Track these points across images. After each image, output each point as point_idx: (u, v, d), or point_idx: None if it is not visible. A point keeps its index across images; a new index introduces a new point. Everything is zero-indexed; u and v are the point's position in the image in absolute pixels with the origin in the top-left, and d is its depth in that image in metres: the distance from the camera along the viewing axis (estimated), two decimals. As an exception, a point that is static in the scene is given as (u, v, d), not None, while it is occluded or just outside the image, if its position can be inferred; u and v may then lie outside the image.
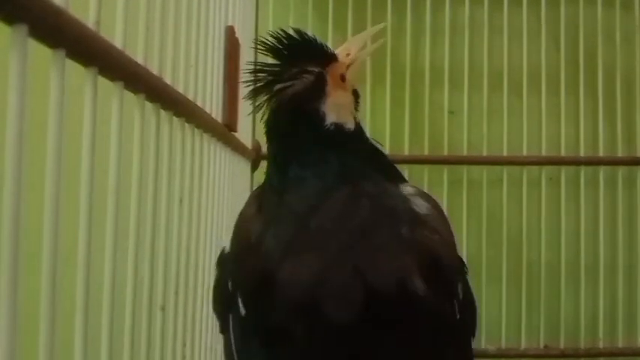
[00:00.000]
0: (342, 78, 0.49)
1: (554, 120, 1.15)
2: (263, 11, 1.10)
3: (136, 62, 0.42)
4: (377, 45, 0.60)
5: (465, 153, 1.14)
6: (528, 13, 1.15)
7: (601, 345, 1.11)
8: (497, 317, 1.11)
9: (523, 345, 1.11)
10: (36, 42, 0.30)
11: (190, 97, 0.57)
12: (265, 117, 0.48)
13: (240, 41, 0.81)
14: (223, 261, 0.49)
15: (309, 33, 0.49)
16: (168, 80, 0.49)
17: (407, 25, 1.15)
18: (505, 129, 1.14)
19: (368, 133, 0.52)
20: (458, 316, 0.46)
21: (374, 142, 0.51)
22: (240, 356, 0.47)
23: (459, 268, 0.48)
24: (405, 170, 1.12)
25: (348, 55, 0.51)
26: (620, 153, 1.15)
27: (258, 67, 0.48)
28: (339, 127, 0.47)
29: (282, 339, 0.43)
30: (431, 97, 1.16)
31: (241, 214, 0.49)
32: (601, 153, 1.15)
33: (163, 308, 0.49)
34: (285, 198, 0.46)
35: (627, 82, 1.17)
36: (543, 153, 1.14)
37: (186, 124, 0.55)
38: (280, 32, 0.48)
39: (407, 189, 0.48)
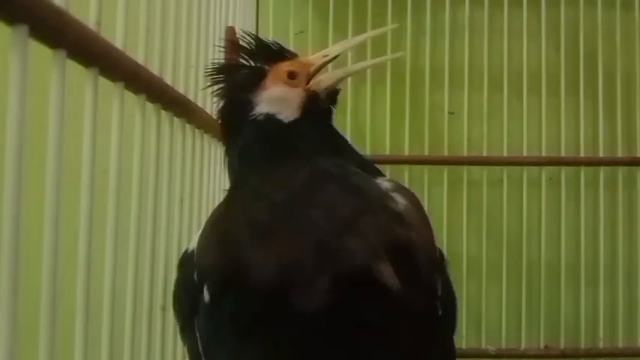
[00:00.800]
0: (291, 75, 0.51)
1: (554, 120, 1.15)
2: (263, 12, 1.10)
3: (137, 63, 0.42)
4: (363, 65, 0.63)
5: (465, 153, 1.14)
6: (528, 14, 1.15)
7: (601, 345, 1.11)
8: (497, 317, 1.11)
9: (523, 345, 1.11)
10: (37, 42, 0.30)
11: (191, 97, 0.57)
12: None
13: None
14: (186, 259, 0.48)
15: (268, 38, 0.53)
16: (168, 81, 0.50)
17: (407, 25, 1.14)
18: (505, 129, 1.14)
19: (348, 134, 0.53)
20: (439, 312, 0.46)
21: (342, 140, 0.52)
22: (207, 351, 0.45)
23: (437, 263, 0.47)
24: (405, 170, 1.12)
25: (325, 56, 0.54)
26: (620, 153, 1.15)
27: (214, 67, 0.52)
28: (269, 117, 0.49)
29: (250, 328, 0.42)
30: (431, 98, 1.16)
31: (210, 215, 0.50)
32: (601, 153, 1.15)
33: (164, 308, 0.49)
34: (240, 189, 0.48)
35: (627, 83, 1.17)
36: (543, 153, 1.14)
37: (187, 125, 0.55)
38: (242, 36, 0.52)
39: (384, 184, 0.47)
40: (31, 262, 0.32)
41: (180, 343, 0.54)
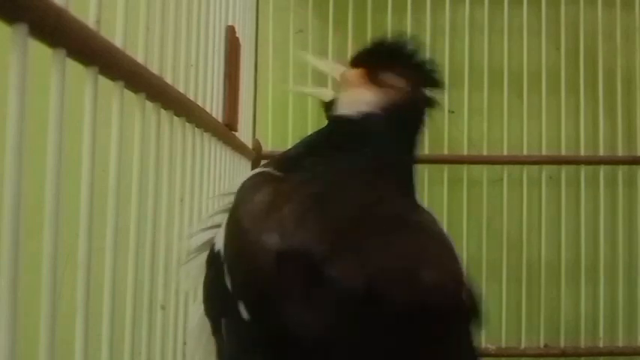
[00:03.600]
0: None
1: (554, 119, 1.15)
2: (263, 11, 1.10)
3: (137, 62, 0.42)
4: None
5: (465, 152, 1.14)
6: (528, 13, 1.15)
7: (601, 344, 1.11)
8: (497, 316, 1.11)
9: (523, 344, 1.11)
10: (36, 41, 0.30)
11: (191, 96, 0.57)
12: None
13: (241, 41, 0.81)
14: (216, 258, 0.43)
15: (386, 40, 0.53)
16: (168, 80, 0.49)
17: (407, 25, 1.14)
18: (505, 128, 1.14)
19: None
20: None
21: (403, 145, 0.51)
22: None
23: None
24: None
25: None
26: (621, 152, 1.15)
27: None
28: (339, 117, 0.50)
29: (296, 350, 0.37)
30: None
31: (244, 206, 0.43)
32: (601, 152, 1.15)
33: (164, 307, 0.49)
34: (298, 187, 0.44)
35: (627, 82, 1.17)
36: (543, 152, 1.14)
37: (187, 124, 0.55)
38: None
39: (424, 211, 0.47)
40: (31, 262, 0.32)
41: (180, 342, 0.54)
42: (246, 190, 0.46)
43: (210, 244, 0.46)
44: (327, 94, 0.55)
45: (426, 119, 0.52)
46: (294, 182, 0.44)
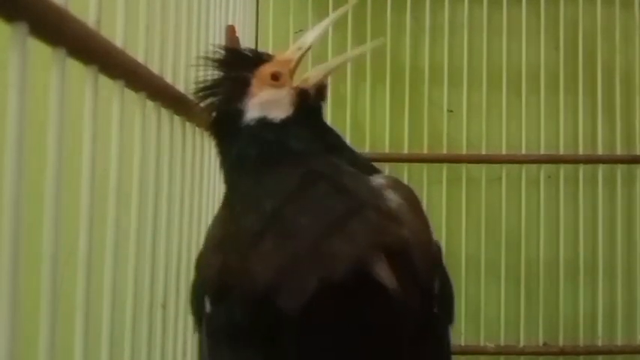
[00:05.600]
0: (274, 76, 0.51)
1: (553, 118, 1.15)
2: (263, 10, 1.10)
3: (137, 61, 0.42)
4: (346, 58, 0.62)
5: (464, 151, 1.14)
6: (527, 12, 1.15)
7: (600, 343, 1.11)
8: (496, 315, 1.11)
9: (522, 342, 1.11)
10: (36, 40, 0.30)
11: (191, 95, 0.57)
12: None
13: (241, 40, 0.81)
14: (197, 262, 0.49)
15: (241, 45, 0.53)
16: (168, 79, 0.49)
17: (406, 23, 1.14)
18: (504, 127, 1.14)
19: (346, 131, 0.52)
20: (435, 310, 0.45)
21: (335, 137, 0.51)
22: (210, 358, 0.46)
23: (434, 260, 0.47)
24: (404, 169, 1.12)
25: (300, 48, 0.53)
26: (619, 151, 1.15)
27: (197, 87, 0.51)
28: (261, 120, 0.49)
29: (244, 337, 0.42)
30: (430, 96, 1.15)
31: (210, 223, 0.50)
32: (600, 151, 1.15)
33: (164, 306, 0.49)
34: (233, 196, 0.48)
35: (626, 81, 1.17)
36: (542, 151, 1.14)
37: (187, 122, 0.55)
38: (215, 50, 0.51)
39: (377, 180, 0.47)
40: (31, 261, 0.32)
41: (180, 341, 0.54)
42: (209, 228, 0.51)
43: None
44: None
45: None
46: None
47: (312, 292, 0.40)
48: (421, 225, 0.46)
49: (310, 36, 0.54)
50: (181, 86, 0.53)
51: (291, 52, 0.53)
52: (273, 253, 0.42)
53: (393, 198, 0.46)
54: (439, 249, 0.48)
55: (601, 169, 1.14)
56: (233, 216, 0.46)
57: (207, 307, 0.45)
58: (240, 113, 0.49)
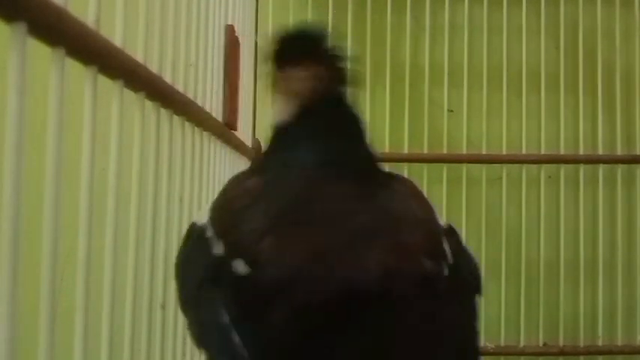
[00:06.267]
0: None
1: (553, 118, 1.15)
2: (263, 10, 1.10)
3: (136, 61, 0.42)
4: None
5: (464, 151, 1.14)
6: (528, 11, 1.15)
7: (600, 343, 1.12)
8: (496, 315, 1.11)
9: (522, 342, 1.11)
10: (35, 40, 0.30)
11: (190, 95, 0.57)
12: None
13: (240, 40, 0.81)
14: (199, 230, 0.47)
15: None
16: (168, 79, 0.49)
17: (406, 23, 1.14)
18: (504, 127, 1.14)
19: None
20: (446, 274, 0.45)
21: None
22: (242, 327, 0.42)
23: (443, 231, 0.48)
24: (404, 168, 1.12)
25: None
26: (619, 151, 1.15)
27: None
28: (278, 125, 0.50)
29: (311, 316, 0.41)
30: (430, 96, 1.15)
31: (226, 192, 0.49)
32: (600, 151, 1.15)
33: (164, 306, 0.49)
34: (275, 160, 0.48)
35: (627, 81, 1.17)
36: (542, 151, 1.14)
37: (187, 123, 0.55)
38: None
39: (383, 174, 0.49)
40: (31, 261, 0.32)
41: (180, 341, 0.54)
42: (226, 185, 0.51)
43: (190, 224, 0.49)
44: None
45: (351, 110, 0.51)
46: (259, 180, 0.49)
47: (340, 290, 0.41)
48: (428, 207, 0.48)
49: None
50: (181, 86, 0.53)
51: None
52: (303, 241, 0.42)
53: (401, 188, 0.48)
54: (451, 228, 0.49)
55: (601, 169, 1.14)
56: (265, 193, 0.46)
57: (243, 267, 0.42)
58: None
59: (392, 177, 0.50)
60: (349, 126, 0.52)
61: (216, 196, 0.51)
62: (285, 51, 0.51)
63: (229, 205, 0.47)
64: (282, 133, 0.50)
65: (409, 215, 0.46)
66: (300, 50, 0.51)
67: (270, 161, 0.50)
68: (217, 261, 0.44)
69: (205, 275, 0.44)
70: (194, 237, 0.47)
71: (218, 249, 0.44)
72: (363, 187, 0.47)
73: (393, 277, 0.42)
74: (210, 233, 0.46)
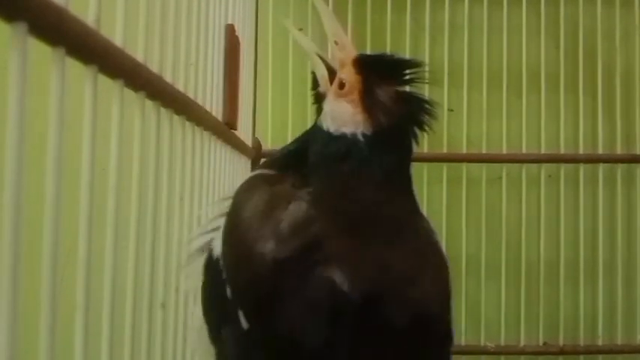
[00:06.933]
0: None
1: (553, 118, 1.15)
2: (263, 9, 1.10)
3: (137, 60, 0.42)
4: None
5: (464, 151, 1.14)
6: (528, 11, 1.15)
7: (600, 342, 1.12)
8: (496, 314, 1.11)
9: (522, 342, 1.11)
10: (36, 40, 0.30)
11: (190, 95, 0.57)
12: None
13: (241, 39, 0.81)
14: (215, 265, 0.45)
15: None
16: (168, 78, 0.49)
17: (406, 23, 1.14)
18: (504, 127, 1.14)
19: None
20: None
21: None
22: None
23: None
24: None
25: (344, 48, 0.52)
26: (619, 151, 1.15)
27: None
28: (330, 135, 0.47)
29: (294, 351, 0.39)
30: (430, 95, 1.15)
31: (240, 212, 0.45)
32: (600, 151, 1.15)
33: (164, 306, 0.49)
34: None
35: (627, 81, 1.17)
36: (542, 151, 1.14)
37: (187, 122, 0.55)
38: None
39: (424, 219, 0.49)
40: (31, 261, 0.32)
41: (180, 340, 0.54)
42: (242, 194, 0.47)
43: (209, 247, 0.47)
44: (320, 67, 0.52)
45: (410, 149, 0.52)
46: (289, 185, 0.46)
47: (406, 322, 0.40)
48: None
49: (336, 31, 0.54)
50: (181, 86, 0.53)
51: (343, 55, 0.50)
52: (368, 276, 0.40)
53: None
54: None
55: (601, 168, 1.14)
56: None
57: (243, 322, 0.40)
58: (320, 127, 0.49)
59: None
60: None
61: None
62: (386, 70, 0.50)
63: (237, 233, 0.43)
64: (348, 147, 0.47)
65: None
66: (396, 73, 0.50)
67: (317, 175, 0.46)
68: (225, 304, 0.42)
69: (220, 321, 0.44)
70: (210, 270, 0.46)
71: (228, 291, 0.43)
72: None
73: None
74: (222, 267, 0.43)
